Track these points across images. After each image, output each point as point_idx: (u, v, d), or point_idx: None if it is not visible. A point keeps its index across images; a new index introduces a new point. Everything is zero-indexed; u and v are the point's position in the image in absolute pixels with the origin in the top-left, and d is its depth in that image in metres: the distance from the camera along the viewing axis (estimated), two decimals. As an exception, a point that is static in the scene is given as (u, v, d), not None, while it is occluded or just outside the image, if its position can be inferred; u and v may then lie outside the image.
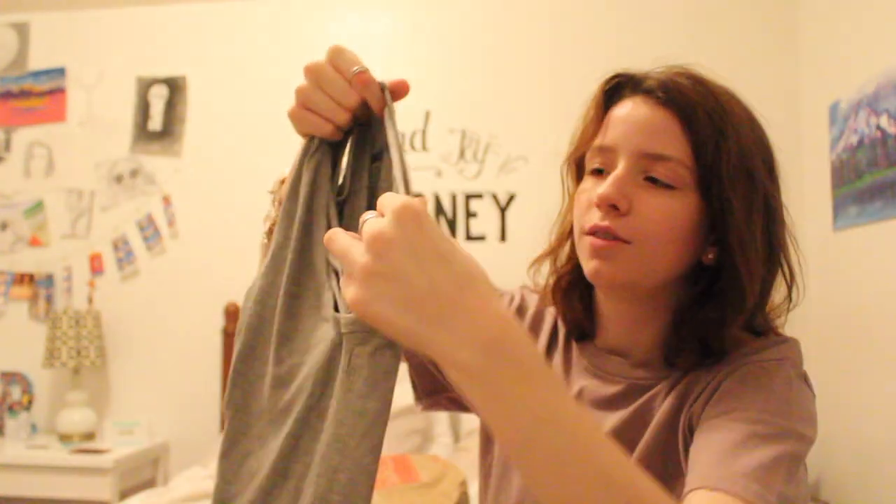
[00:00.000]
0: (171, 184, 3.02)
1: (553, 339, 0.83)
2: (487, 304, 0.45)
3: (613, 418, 0.75)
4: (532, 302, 0.87)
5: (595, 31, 2.84)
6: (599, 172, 0.73)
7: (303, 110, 0.60)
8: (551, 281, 0.81)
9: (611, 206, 0.69)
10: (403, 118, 2.92)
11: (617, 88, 0.76)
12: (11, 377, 3.00)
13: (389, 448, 2.39)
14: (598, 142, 0.73)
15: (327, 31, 2.99)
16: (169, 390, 2.96)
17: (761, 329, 0.74)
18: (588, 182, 0.73)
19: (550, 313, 0.85)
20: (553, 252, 0.81)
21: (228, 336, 2.86)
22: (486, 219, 2.86)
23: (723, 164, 0.68)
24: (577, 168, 0.78)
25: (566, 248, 0.80)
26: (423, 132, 2.90)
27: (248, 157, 2.98)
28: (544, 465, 0.45)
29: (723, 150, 0.68)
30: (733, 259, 0.69)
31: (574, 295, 0.79)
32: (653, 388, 0.73)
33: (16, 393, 2.97)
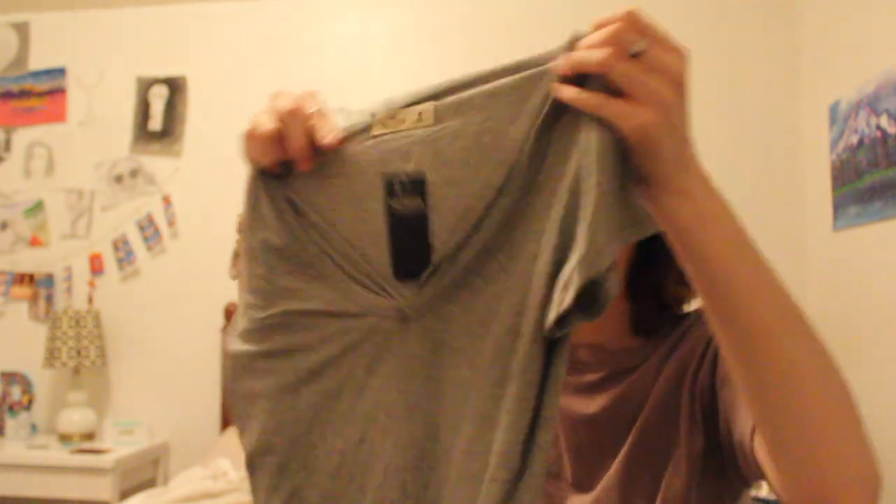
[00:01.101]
0: (171, 184, 3.02)
1: None
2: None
3: (597, 402, 0.80)
4: None
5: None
6: None
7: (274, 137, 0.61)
8: None
9: None
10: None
11: None
12: (11, 377, 3.00)
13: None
14: None
15: (327, 31, 2.99)
16: (169, 390, 2.96)
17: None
18: None
19: None
20: None
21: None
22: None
23: None
24: None
25: None
26: (423, 132, 2.90)
27: (248, 157, 2.98)
28: (751, 270, 0.57)
29: None
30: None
31: None
32: (638, 369, 0.80)
33: (16, 393, 2.97)
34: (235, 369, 0.64)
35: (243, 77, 3.02)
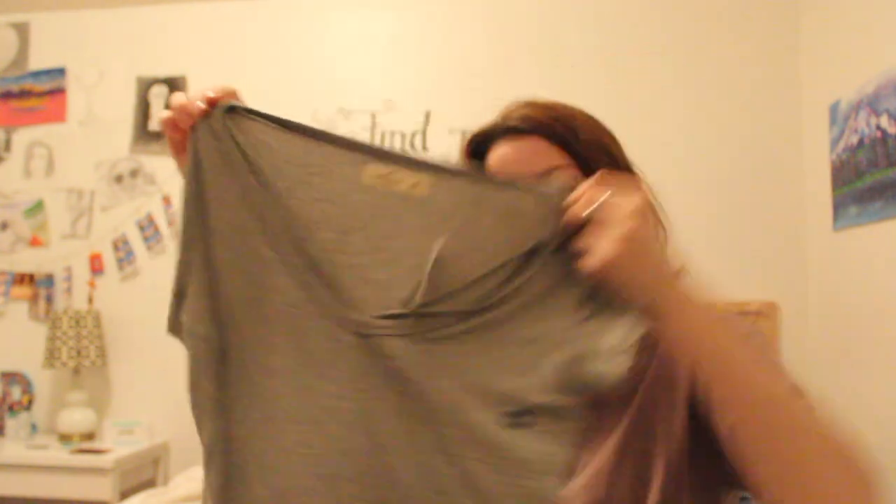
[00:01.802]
0: (171, 184, 3.02)
1: None
2: (693, 288, 0.62)
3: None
4: None
5: (596, 32, 2.84)
6: None
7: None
8: None
9: None
10: (404, 118, 2.90)
11: (482, 141, 0.86)
12: (11, 377, 3.00)
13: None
14: None
15: (327, 31, 2.99)
16: (169, 390, 2.96)
17: None
18: None
19: None
20: None
21: (228, 336, 2.86)
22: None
23: (586, 151, 0.81)
24: None
25: None
26: (423, 132, 2.90)
27: (248, 157, 2.98)
28: (740, 372, 0.61)
29: (581, 140, 0.81)
30: None
31: None
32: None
33: (16, 393, 2.97)
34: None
35: (243, 77, 3.02)
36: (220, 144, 0.65)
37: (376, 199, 0.64)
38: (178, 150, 0.68)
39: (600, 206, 0.61)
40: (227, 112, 0.66)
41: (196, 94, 0.67)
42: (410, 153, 0.68)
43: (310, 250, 0.64)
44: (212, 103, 0.66)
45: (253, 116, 0.66)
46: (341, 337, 0.63)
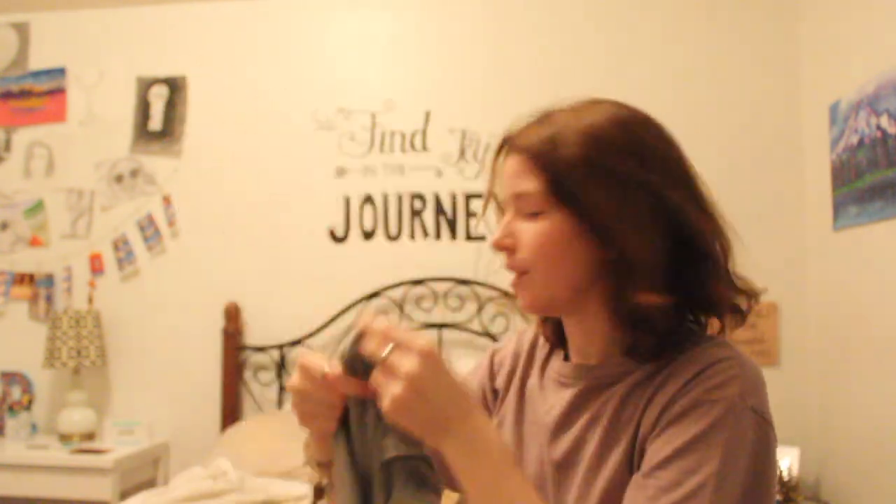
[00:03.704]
0: (171, 184, 3.02)
1: (530, 362, 0.94)
2: (480, 428, 0.69)
3: (580, 422, 0.80)
4: (526, 338, 0.97)
5: (595, 32, 2.84)
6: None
7: (305, 417, 0.76)
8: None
9: (502, 249, 0.81)
10: (404, 118, 2.92)
11: (503, 147, 0.86)
12: (11, 377, 3.00)
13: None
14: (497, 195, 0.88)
15: (327, 31, 2.99)
16: (169, 390, 2.96)
17: (711, 314, 0.80)
18: None
19: (531, 340, 0.97)
20: None
21: (228, 336, 2.86)
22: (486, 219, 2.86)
23: (569, 177, 0.76)
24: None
25: None
26: (424, 132, 2.90)
27: (248, 157, 2.98)
28: None
29: (561, 159, 0.76)
30: (616, 247, 0.75)
31: (546, 321, 0.91)
32: (612, 387, 0.79)
33: (16, 393, 2.97)
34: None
35: (243, 77, 3.02)
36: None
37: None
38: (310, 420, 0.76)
39: (387, 356, 0.66)
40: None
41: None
42: None
43: None
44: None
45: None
46: None
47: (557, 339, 0.89)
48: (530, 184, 0.78)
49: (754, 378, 0.72)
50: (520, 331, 0.99)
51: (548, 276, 0.79)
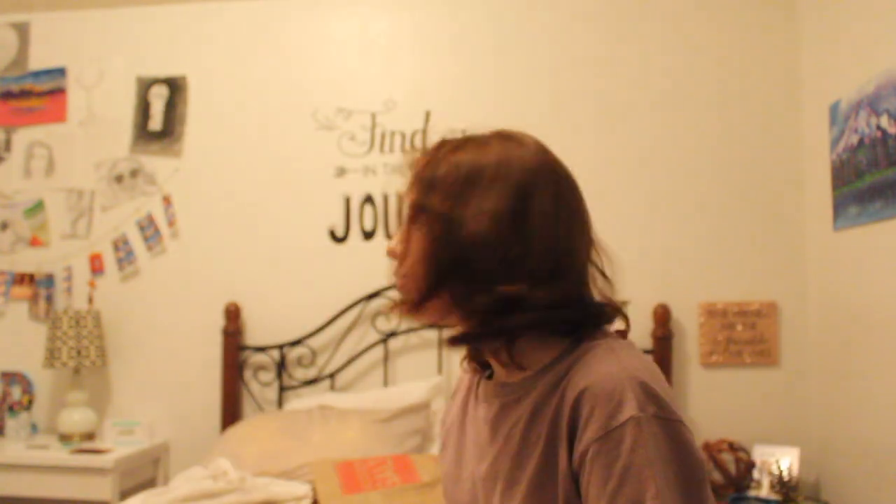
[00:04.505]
0: (171, 184, 3.02)
1: (478, 382, 0.93)
2: None
3: (499, 439, 0.82)
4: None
5: (595, 32, 2.84)
6: None
7: None
8: None
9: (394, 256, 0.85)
10: (404, 118, 2.91)
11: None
12: (11, 377, 3.00)
13: (389, 448, 2.39)
14: None
15: (328, 31, 2.99)
16: (169, 390, 2.96)
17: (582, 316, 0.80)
18: None
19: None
20: None
21: (228, 336, 2.86)
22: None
23: (421, 197, 0.85)
24: None
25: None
26: (423, 132, 2.90)
27: (248, 157, 2.98)
28: None
29: (419, 190, 0.86)
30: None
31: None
32: (521, 403, 0.80)
33: (16, 393, 2.97)
34: None
35: (243, 77, 3.02)
36: None
37: None
38: None
39: None
40: None
41: None
42: None
43: None
44: None
45: None
46: None
47: (478, 361, 0.91)
48: (408, 195, 0.86)
49: (643, 381, 0.70)
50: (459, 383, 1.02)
51: (411, 276, 0.83)
